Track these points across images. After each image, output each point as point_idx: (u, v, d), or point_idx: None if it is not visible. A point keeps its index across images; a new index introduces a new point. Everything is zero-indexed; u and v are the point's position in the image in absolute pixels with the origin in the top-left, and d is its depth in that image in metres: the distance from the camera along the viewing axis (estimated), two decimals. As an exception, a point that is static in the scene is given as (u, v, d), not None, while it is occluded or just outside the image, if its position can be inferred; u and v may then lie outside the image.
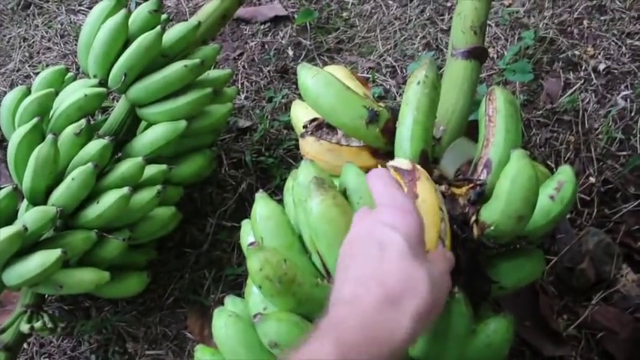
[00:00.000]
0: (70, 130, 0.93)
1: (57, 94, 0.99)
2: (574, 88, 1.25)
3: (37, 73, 1.37)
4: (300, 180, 0.73)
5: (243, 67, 1.35)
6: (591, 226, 1.10)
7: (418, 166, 0.69)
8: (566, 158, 1.16)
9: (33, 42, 1.44)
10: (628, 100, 1.22)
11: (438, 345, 0.66)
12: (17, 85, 1.33)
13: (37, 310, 0.94)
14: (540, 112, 1.22)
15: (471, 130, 0.94)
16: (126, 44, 0.99)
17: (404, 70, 1.31)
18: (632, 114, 1.21)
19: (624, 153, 1.18)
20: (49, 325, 0.91)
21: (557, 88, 1.25)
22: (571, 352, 1.00)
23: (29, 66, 1.40)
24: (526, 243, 0.89)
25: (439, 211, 0.65)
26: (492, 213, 0.73)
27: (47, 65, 1.38)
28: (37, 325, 0.90)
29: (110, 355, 1.05)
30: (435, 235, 0.63)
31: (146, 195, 0.94)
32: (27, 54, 1.42)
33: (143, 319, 1.07)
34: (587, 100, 1.23)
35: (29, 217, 0.86)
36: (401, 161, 0.70)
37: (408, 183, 0.66)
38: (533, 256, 0.83)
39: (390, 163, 0.70)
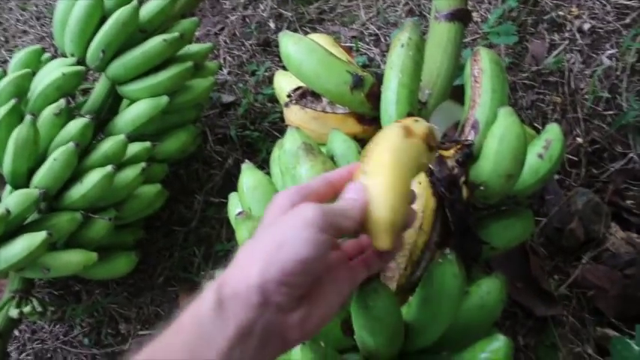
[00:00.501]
0: (49, 110, 0.91)
1: (34, 74, 0.97)
2: (559, 49, 1.24)
3: (14, 57, 1.35)
4: (286, 148, 0.72)
5: (225, 41, 1.33)
6: (580, 186, 1.11)
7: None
8: (552, 119, 1.16)
9: (8, 26, 1.41)
10: (613, 58, 1.21)
11: (432, 307, 0.66)
12: (-6, 71, 1.31)
13: (25, 295, 0.93)
14: (526, 74, 1.21)
15: (456, 95, 0.93)
16: (102, 21, 0.97)
17: (387, 38, 1.29)
18: (618, 72, 1.20)
19: (610, 112, 1.17)
20: (39, 309, 0.91)
21: (542, 49, 1.25)
22: (562, 311, 1.01)
23: (5, 50, 1.37)
24: (515, 203, 0.89)
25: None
26: (481, 173, 0.73)
27: (24, 47, 1.35)
28: (27, 309, 0.89)
29: (103, 338, 1.04)
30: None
31: (130, 173, 0.93)
32: (2, 38, 1.39)
33: (134, 300, 1.07)
34: (573, 60, 1.23)
35: (12, 200, 0.85)
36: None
37: None
38: (523, 215, 0.83)
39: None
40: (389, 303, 0.60)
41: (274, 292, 0.46)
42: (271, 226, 0.49)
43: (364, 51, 1.28)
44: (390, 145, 0.56)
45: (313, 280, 0.48)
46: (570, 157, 1.12)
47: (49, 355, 1.04)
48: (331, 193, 0.54)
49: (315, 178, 0.55)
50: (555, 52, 1.24)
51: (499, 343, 0.65)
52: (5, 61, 1.36)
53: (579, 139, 1.14)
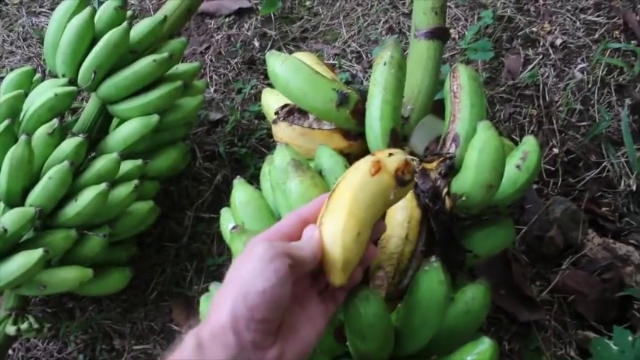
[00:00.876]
0: (43, 130, 0.93)
1: (26, 95, 0.99)
2: (533, 63, 1.29)
3: (2, 78, 1.36)
4: (276, 164, 0.75)
5: (211, 60, 1.36)
6: (557, 195, 1.15)
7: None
8: (529, 131, 1.20)
9: (-6, 47, 1.43)
10: (585, 72, 1.27)
11: (420, 313, 0.68)
12: (-18, 91, 1.32)
13: (21, 312, 0.94)
14: (503, 88, 1.26)
15: (436, 109, 0.97)
16: (93, 42, 0.99)
17: (369, 55, 1.33)
18: (590, 85, 1.26)
19: (584, 123, 1.22)
20: (35, 325, 0.92)
21: (518, 64, 1.30)
22: (545, 315, 1.04)
23: (-7, 71, 1.39)
24: (495, 213, 0.92)
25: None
26: (463, 184, 0.76)
27: (11, 69, 1.37)
28: (24, 326, 0.90)
29: (98, 354, 1.05)
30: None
31: (123, 190, 0.95)
32: (-11, 59, 1.41)
33: (128, 316, 1.08)
34: (547, 74, 1.28)
35: (7, 218, 0.86)
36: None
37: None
38: (504, 224, 0.87)
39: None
40: (379, 309, 0.63)
41: (246, 329, 0.49)
42: (234, 269, 0.52)
43: (347, 68, 1.32)
44: (353, 184, 0.58)
45: (281, 312, 0.51)
46: (547, 167, 1.17)
47: (43, 373, 1.05)
48: (303, 228, 0.57)
49: (286, 217, 0.58)
50: (530, 67, 1.29)
51: (484, 345, 0.68)
52: (-7, 82, 1.37)
53: (555, 150, 1.19)
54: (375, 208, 0.58)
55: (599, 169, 1.18)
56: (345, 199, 0.57)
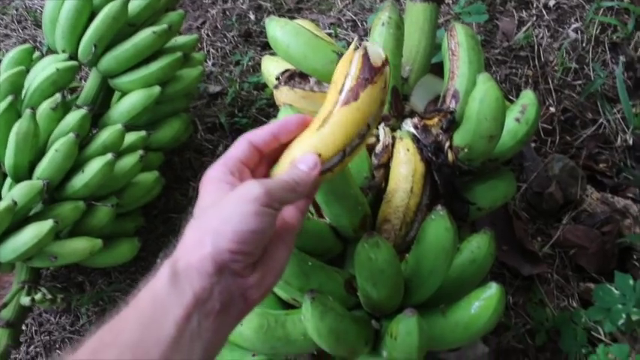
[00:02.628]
0: (46, 105, 0.94)
1: (27, 72, 0.99)
2: (527, 25, 1.30)
3: (-1, 61, 1.36)
4: (281, 122, 0.76)
5: (207, 34, 1.36)
6: (555, 152, 1.17)
7: (387, 67, 0.60)
8: (526, 91, 1.22)
9: (-11, 30, 1.43)
10: (578, 31, 1.28)
11: (428, 260, 0.70)
12: (-21, 75, 1.33)
13: (34, 285, 0.95)
14: (498, 50, 1.27)
15: (433, 71, 0.98)
16: (92, 16, 1.00)
17: (364, 23, 1.34)
18: (584, 44, 1.27)
19: (579, 82, 1.24)
20: (49, 296, 0.93)
21: (512, 26, 1.31)
22: (547, 269, 1.07)
23: (-11, 54, 1.39)
24: (496, 169, 0.94)
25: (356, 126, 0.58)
26: (465, 136, 0.78)
27: (7, 52, 1.37)
28: (38, 297, 0.92)
29: (109, 325, 1.07)
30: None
31: (129, 161, 0.96)
32: (-16, 42, 1.41)
33: (138, 286, 1.09)
34: (541, 35, 1.29)
35: (17, 192, 0.87)
36: (376, 50, 0.59)
37: (360, 80, 0.58)
38: (505, 176, 0.88)
39: (366, 44, 0.59)
40: (389, 255, 0.65)
41: (229, 261, 0.48)
42: (215, 204, 0.51)
43: (343, 37, 1.33)
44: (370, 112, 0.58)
45: (262, 247, 0.51)
46: (545, 125, 1.19)
47: (57, 346, 1.07)
48: (257, 156, 0.57)
49: (236, 144, 0.57)
50: (524, 29, 1.30)
51: (492, 290, 0.69)
52: (-11, 65, 1.37)
53: (552, 109, 1.21)
54: None
55: (595, 126, 1.20)
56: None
